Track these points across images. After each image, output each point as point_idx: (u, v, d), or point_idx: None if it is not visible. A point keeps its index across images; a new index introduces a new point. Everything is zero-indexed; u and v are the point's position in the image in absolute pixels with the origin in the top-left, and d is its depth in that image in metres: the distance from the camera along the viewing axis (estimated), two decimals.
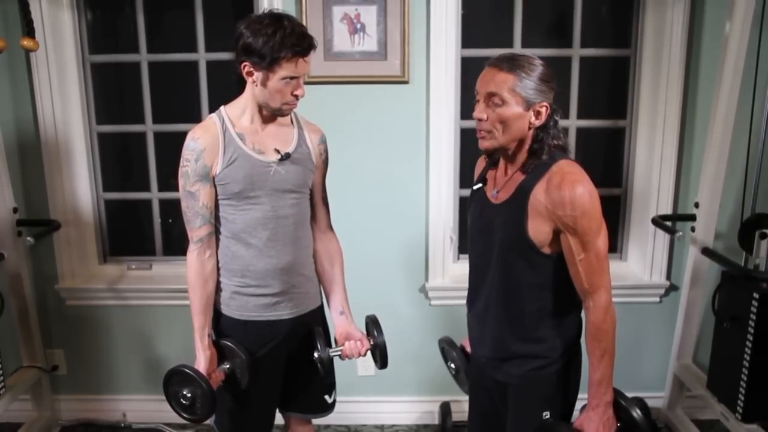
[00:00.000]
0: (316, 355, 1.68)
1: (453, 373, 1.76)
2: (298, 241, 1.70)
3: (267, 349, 1.70)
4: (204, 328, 1.65)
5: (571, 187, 1.35)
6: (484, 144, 1.44)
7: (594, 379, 1.45)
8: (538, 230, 1.40)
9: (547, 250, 1.42)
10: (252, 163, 1.60)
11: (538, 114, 1.40)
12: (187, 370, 1.60)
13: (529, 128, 1.41)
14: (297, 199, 1.68)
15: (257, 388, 1.71)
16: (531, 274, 1.45)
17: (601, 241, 1.39)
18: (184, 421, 1.69)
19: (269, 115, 1.63)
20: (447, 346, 1.75)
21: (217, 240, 1.67)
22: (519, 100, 1.37)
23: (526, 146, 1.44)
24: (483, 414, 1.70)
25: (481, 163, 1.64)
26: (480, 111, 1.41)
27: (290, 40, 1.49)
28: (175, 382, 1.62)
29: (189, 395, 1.60)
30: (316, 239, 1.82)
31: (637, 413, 1.47)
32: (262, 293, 1.67)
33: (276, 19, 1.51)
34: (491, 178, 1.55)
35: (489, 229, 1.49)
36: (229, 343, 1.67)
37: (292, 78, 1.54)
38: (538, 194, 1.39)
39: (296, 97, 1.58)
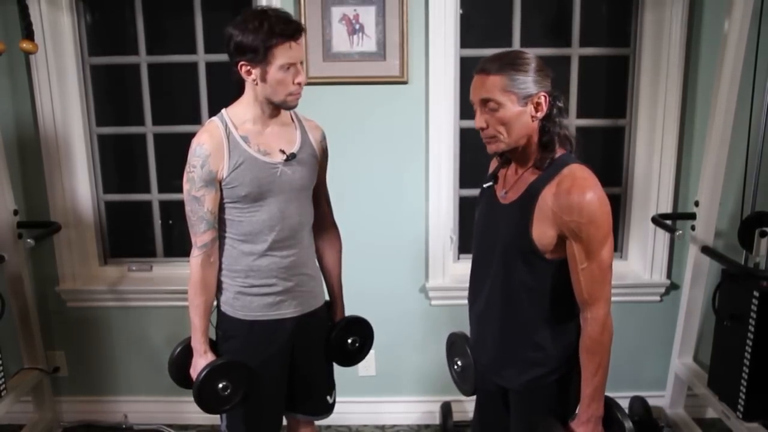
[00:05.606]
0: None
1: (458, 370, 1.71)
2: (302, 240, 1.71)
3: (273, 349, 1.70)
4: (205, 333, 1.66)
5: (580, 193, 1.31)
6: (491, 148, 1.41)
7: (586, 393, 1.41)
8: (543, 233, 1.36)
9: (549, 256, 1.38)
10: (258, 165, 1.59)
11: (538, 105, 1.35)
12: (222, 361, 1.63)
13: (533, 121, 1.37)
14: (302, 199, 1.69)
15: (267, 390, 1.71)
16: (530, 277, 1.42)
17: (606, 251, 1.34)
18: (184, 422, 1.69)
19: (272, 115, 1.63)
20: (459, 341, 1.69)
21: (221, 241, 1.67)
22: (514, 98, 1.33)
23: (535, 141, 1.39)
24: (486, 420, 1.67)
25: (494, 162, 1.61)
26: (479, 120, 1.38)
27: (278, 26, 1.50)
28: (211, 378, 1.61)
29: (226, 384, 1.62)
30: (320, 236, 1.83)
31: (628, 425, 1.43)
32: (266, 292, 1.67)
33: (260, 12, 1.53)
34: (502, 176, 1.52)
35: (495, 229, 1.47)
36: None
37: (290, 66, 1.54)
38: (547, 197, 1.35)
39: (299, 85, 1.57)
